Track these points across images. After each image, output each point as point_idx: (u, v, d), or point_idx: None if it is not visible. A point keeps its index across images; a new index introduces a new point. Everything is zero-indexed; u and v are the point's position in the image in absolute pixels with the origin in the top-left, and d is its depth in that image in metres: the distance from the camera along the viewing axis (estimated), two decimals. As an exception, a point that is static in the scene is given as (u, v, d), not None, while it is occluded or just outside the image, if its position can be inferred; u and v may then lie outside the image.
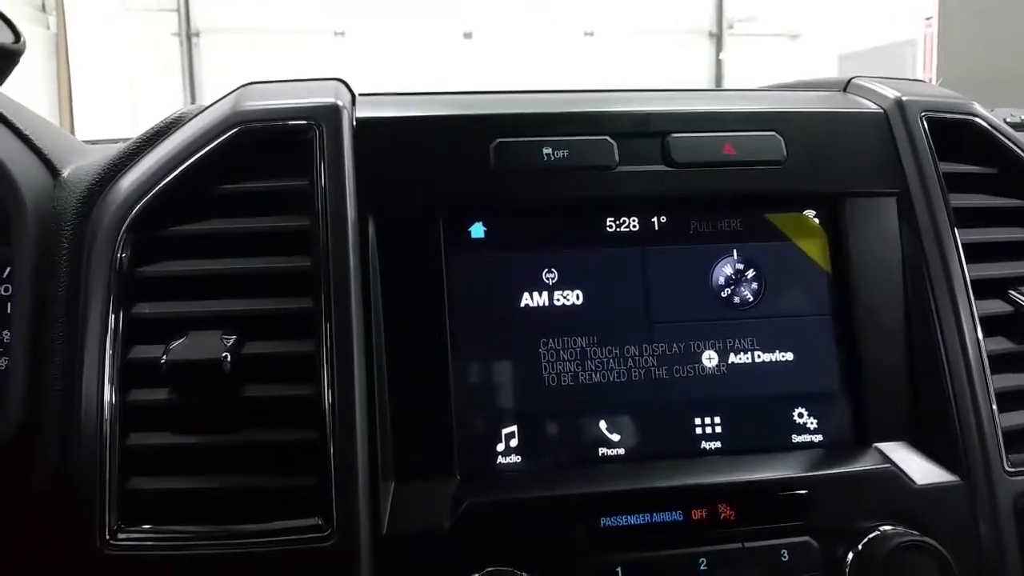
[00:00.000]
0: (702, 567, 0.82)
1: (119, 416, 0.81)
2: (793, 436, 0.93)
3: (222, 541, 0.78)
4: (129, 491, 0.80)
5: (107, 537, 0.78)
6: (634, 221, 0.94)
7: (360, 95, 0.95)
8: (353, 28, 8.89)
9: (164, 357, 0.80)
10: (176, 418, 0.82)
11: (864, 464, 0.89)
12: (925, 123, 0.99)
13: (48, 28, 7.88)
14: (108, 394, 0.81)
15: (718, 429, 0.92)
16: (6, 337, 0.90)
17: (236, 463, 0.81)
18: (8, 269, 0.91)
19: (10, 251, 0.90)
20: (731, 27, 10.22)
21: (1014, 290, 0.97)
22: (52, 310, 0.88)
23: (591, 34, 9.55)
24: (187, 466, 0.81)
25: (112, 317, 0.83)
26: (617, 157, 0.92)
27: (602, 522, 0.82)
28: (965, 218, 0.98)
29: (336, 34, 8.90)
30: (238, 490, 0.80)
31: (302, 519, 0.79)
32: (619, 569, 0.81)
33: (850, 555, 0.83)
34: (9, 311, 0.90)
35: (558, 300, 0.91)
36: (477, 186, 0.90)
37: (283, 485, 0.80)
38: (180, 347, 0.81)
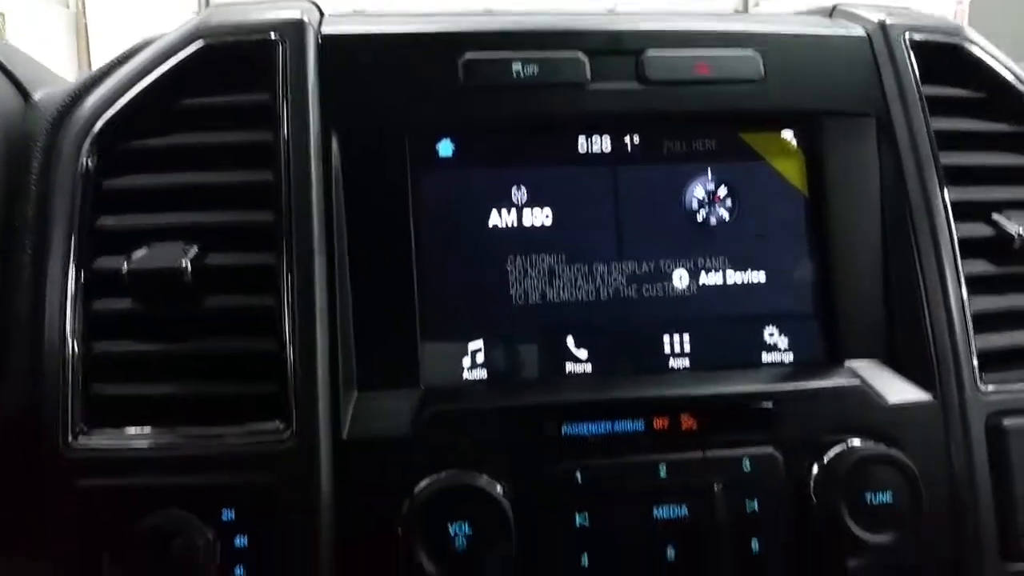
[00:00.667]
0: (661, 474, 0.81)
1: (82, 324, 0.82)
2: (763, 355, 0.92)
3: (182, 442, 0.79)
4: (92, 396, 0.81)
5: (69, 440, 0.79)
6: (606, 140, 0.93)
7: (330, 15, 0.94)
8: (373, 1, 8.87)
9: (125, 266, 0.81)
10: (139, 327, 0.83)
11: (833, 380, 0.88)
12: (908, 45, 0.97)
13: (68, 7, 7.93)
14: (71, 303, 0.82)
15: (687, 348, 0.91)
16: None
17: (198, 370, 0.82)
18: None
19: None
20: (757, 4, 10.09)
21: (997, 213, 0.96)
22: (20, 232, 0.89)
23: (612, 11, 9.47)
24: (149, 373, 0.82)
25: (76, 229, 0.84)
26: (589, 74, 0.91)
27: (563, 430, 0.82)
28: (949, 142, 0.96)
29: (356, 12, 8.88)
30: (200, 396, 0.81)
31: (262, 423, 0.80)
32: (578, 474, 0.80)
33: (815, 467, 0.83)
34: None
35: (527, 219, 0.91)
36: (445, 103, 0.89)
37: (244, 391, 0.81)
38: (142, 257, 0.82)
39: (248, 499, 0.77)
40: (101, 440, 0.79)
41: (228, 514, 0.76)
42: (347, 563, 0.78)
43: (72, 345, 0.81)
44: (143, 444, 0.79)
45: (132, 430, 0.80)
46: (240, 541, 0.76)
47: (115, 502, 0.77)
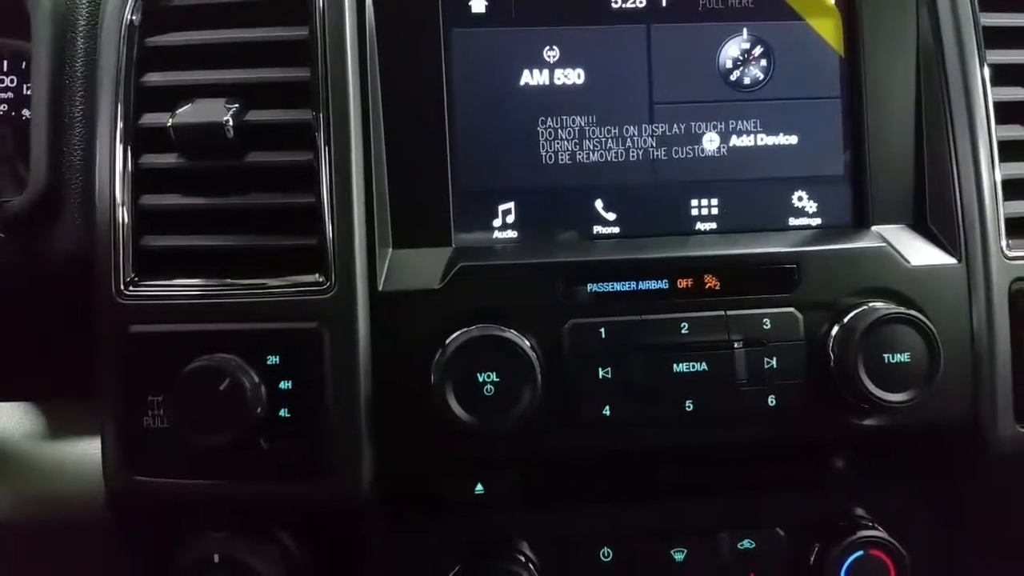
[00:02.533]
0: (683, 331, 0.84)
1: (131, 178, 0.85)
2: (790, 219, 0.93)
3: (227, 292, 0.83)
4: (142, 248, 0.85)
5: (122, 288, 0.83)
6: None
7: None
8: None
9: (170, 121, 0.83)
10: (185, 181, 0.86)
11: (857, 243, 0.89)
12: None
13: None
14: (120, 158, 0.85)
15: (714, 211, 0.92)
16: (26, 115, 0.95)
17: (241, 224, 0.85)
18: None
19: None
20: None
21: None
22: (71, 87, 0.92)
23: None
24: (196, 226, 0.85)
25: (122, 85, 0.86)
26: None
27: (589, 287, 0.85)
28: (990, 0, 0.93)
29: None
30: (243, 249, 0.84)
31: (305, 275, 0.83)
32: (602, 330, 0.83)
33: (835, 327, 0.85)
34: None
35: (559, 78, 0.91)
36: None
37: (286, 244, 0.84)
38: (185, 112, 0.84)
39: (291, 345, 0.81)
40: (152, 289, 0.84)
41: (273, 359, 0.81)
42: (383, 407, 0.83)
43: (122, 199, 0.84)
44: (191, 293, 0.83)
45: (181, 280, 0.84)
46: (284, 384, 0.81)
47: (166, 347, 0.82)
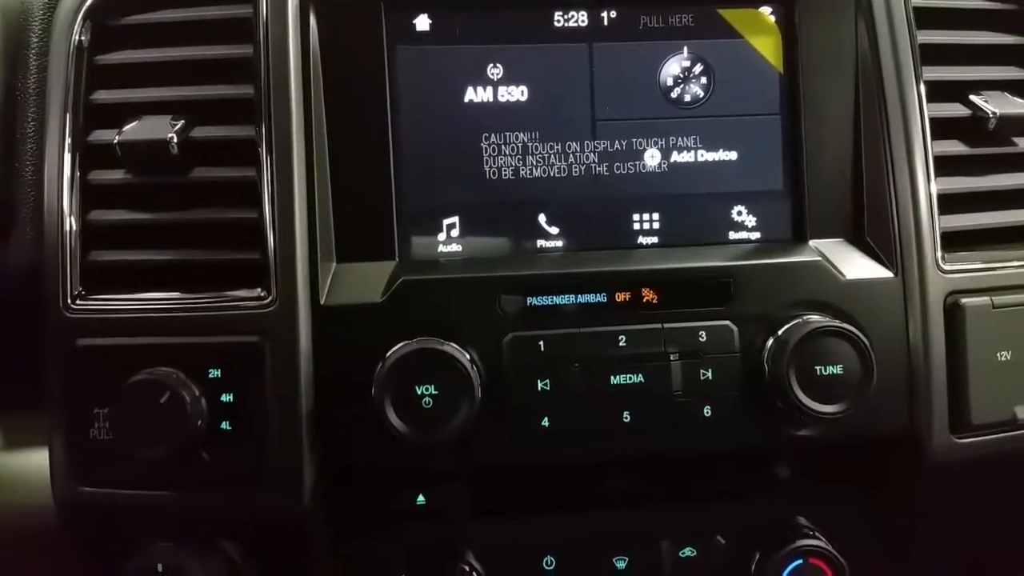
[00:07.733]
0: (621, 343, 0.85)
1: (80, 194, 0.87)
2: (730, 233, 0.95)
3: (171, 306, 0.84)
4: (89, 263, 0.86)
5: (69, 301, 0.84)
6: (583, 15, 0.93)
7: None
8: None
9: (116, 138, 0.85)
10: (132, 197, 0.87)
11: (793, 256, 0.90)
12: None
13: None
14: (68, 173, 0.86)
15: (656, 225, 0.94)
16: None
17: (186, 239, 0.87)
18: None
19: None
20: None
21: (975, 94, 0.96)
22: (23, 100, 0.93)
23: None
24: (143, 241, 0.87)
25: (71, 102, 0.87)
26: None
27: (529, 301, 0.86)
28: (928, 19, 0.95)
29: None
30: (187, 263, 0.86)
31: (247, 289, 0.85)
32: (542, 342, 0.85)
33: (770, 340, 0.86)
34: None
35: (502, 95, 0.92)
36: None
37: (230, 259, 0.86)
38: (131, 129, 0.86)
39: (233, 359, 0.83)
40: (98, 303, 0.85)
41: (214, 372, 0.82)
42: (325, 419, 0.84)
43: (70, 214, 0.86)
44: (137, 307, 0.85)
45: (126, 294, 0.85)
46: (226, 398, 0.83)
47: (111, 360, 0.83)
